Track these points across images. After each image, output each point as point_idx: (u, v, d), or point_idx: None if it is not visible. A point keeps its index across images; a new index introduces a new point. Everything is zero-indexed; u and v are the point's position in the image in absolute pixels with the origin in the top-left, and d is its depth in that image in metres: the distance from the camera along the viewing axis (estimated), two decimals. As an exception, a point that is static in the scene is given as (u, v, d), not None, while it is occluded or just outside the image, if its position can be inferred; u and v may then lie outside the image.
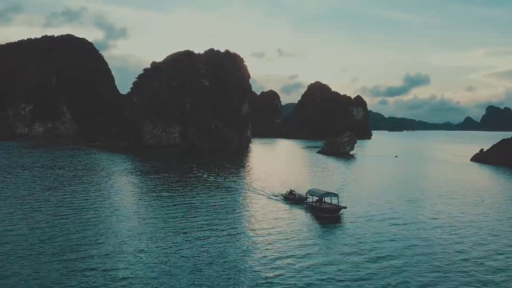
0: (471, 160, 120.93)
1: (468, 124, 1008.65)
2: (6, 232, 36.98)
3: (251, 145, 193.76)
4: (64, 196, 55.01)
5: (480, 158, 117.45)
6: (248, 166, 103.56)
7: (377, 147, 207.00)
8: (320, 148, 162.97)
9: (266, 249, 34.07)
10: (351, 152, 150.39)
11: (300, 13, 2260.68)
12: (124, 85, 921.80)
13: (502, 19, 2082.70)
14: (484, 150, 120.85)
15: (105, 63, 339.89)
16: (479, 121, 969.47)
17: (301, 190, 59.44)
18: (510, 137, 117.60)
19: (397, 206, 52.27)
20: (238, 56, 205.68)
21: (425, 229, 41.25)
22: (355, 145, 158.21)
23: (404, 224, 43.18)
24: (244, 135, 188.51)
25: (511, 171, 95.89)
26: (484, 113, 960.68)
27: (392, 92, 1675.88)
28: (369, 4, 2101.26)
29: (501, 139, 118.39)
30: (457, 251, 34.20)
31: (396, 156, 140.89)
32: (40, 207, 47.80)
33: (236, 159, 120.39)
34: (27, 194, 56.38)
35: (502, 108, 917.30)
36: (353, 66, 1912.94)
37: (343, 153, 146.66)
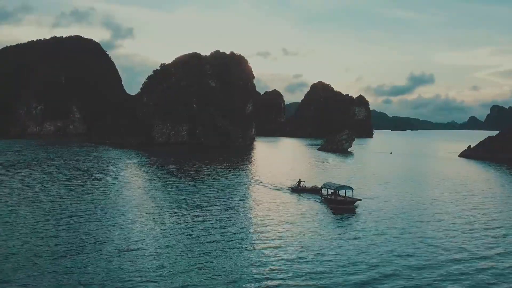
0: (459, 156, 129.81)
1: (472, 124, 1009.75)
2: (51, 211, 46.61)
3: (255, 143, 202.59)
4: (96, 181, 64.98)
5: (467, 154, 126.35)
6: (253, 162, 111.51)
7: (375, 145, 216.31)
8: (320, 146, 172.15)
9: (286, 237, 35.90)
10: (349, 149, 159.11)
11: (305, 12, 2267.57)
12: (130, 84, 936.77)
13: (507, 17, 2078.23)
14: (472, 147, 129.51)
15: (112, 64, 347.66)
16: (483, 120, 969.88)
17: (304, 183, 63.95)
18: (495, 135, 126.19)
19: (401, 198, 56.01)
20: (243, 57, 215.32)
21: (429, 215, 45.86)
22: (353, 142, 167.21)
23: (411, 214, 46.42)
24: (248, 134, 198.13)
25: (492, 165, 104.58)
26: (488, 112, 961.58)
27: (397, 91, 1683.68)
28: (374, 3, 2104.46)
29: (487, 137, 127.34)
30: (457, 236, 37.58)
31: (391, 153, 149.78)
32: (78, 191, 57.54)
33: (242, 156, 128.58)
34: (65, 179, 66.86)
35: (507, 107, 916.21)
36: (357, 65, 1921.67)
37: (341, 150, 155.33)
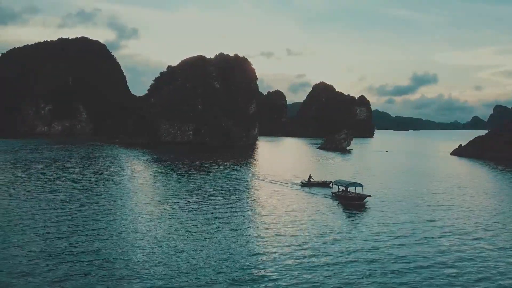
0: (450, 154, 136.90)
1: (475, 124, 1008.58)
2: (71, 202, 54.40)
3: (257, 142, 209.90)
4: (115, 175, 72.78)
5: (458, 152, 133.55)
6: (257, 160, 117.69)
7: (374, 144, 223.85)
8: (320, 145, 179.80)
9: (298, 232, 36.99)
10: (347, 148, 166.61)
11: (306, 12, 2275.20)
12: (134, 84, 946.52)
13: (510, 17, 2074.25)
14: (463, 145, 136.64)
15: (118, 65, 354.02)
16: (486, 120, 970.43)
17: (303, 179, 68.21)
18: (484, 134, 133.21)
19: (404, 193, 58.58)
20: (246, 59, 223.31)
21: (430, 210, 47.68)
22: (353, 141, 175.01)
23: (417, 207, 49.09)
24: (251, 133, 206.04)
25: (479, 161, 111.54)
26: (491, 112, 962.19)
27: (399, 91, 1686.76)
28: (376, 3, 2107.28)
29: (476, 136, 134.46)
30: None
31: (387, 151, 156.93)
32: (102, 181, 65.35)
33: (247, 154, 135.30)
34: (93, 172, 75.72)
35: (510, 107, 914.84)
36: (360, 65, 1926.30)
37: (340, 149, 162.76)
